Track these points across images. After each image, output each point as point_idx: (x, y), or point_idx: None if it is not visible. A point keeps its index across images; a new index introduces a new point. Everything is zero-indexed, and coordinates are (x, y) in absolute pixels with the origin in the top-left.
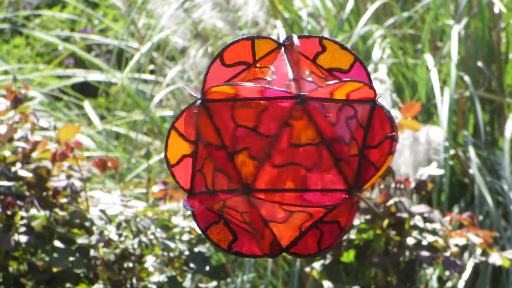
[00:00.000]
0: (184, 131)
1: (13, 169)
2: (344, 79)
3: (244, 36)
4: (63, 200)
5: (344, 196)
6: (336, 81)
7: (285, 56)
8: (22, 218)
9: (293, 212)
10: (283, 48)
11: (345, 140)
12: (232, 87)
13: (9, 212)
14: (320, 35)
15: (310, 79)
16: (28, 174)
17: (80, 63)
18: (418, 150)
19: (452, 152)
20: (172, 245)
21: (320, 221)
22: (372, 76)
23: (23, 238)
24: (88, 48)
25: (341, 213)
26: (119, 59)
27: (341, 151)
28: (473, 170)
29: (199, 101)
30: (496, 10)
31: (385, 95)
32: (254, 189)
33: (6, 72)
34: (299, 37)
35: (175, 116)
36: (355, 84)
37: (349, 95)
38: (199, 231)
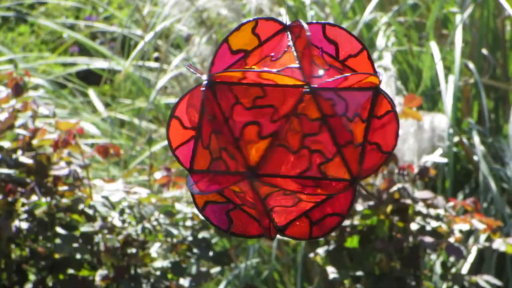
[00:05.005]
0: (186, 113)
1: (13, 156)
2: (351, 73)
3: (247, 20)
4: (65, 188)
5: (346, 185)
6: (344, 74)
7: (291, 40)
8: (23, 205)
9: (292, 196)
10: (288, 31)
11: (351, 129)
12: (241, 73)
13: (10, 199)
14: (325, 22)
15: (316, 65)
16: (28, 161)
17: (85, 51)
18: (422, 137)
19: (456, 139)
20: (175, 231)
21: (319, 205)
22: (376, 64)
23: (24, 225)
24: (93, 36)
25: (341, 200)
26: (124, 47)
27: (347, 140)
28: (478, 157)
29: (206, 82)
30: None
31: (389, 83)
32: (259, 174)
33: (11, 60)
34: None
35: (177, 100)
36: (362, 76)
37: (355, 85)
38: (202, 217)
